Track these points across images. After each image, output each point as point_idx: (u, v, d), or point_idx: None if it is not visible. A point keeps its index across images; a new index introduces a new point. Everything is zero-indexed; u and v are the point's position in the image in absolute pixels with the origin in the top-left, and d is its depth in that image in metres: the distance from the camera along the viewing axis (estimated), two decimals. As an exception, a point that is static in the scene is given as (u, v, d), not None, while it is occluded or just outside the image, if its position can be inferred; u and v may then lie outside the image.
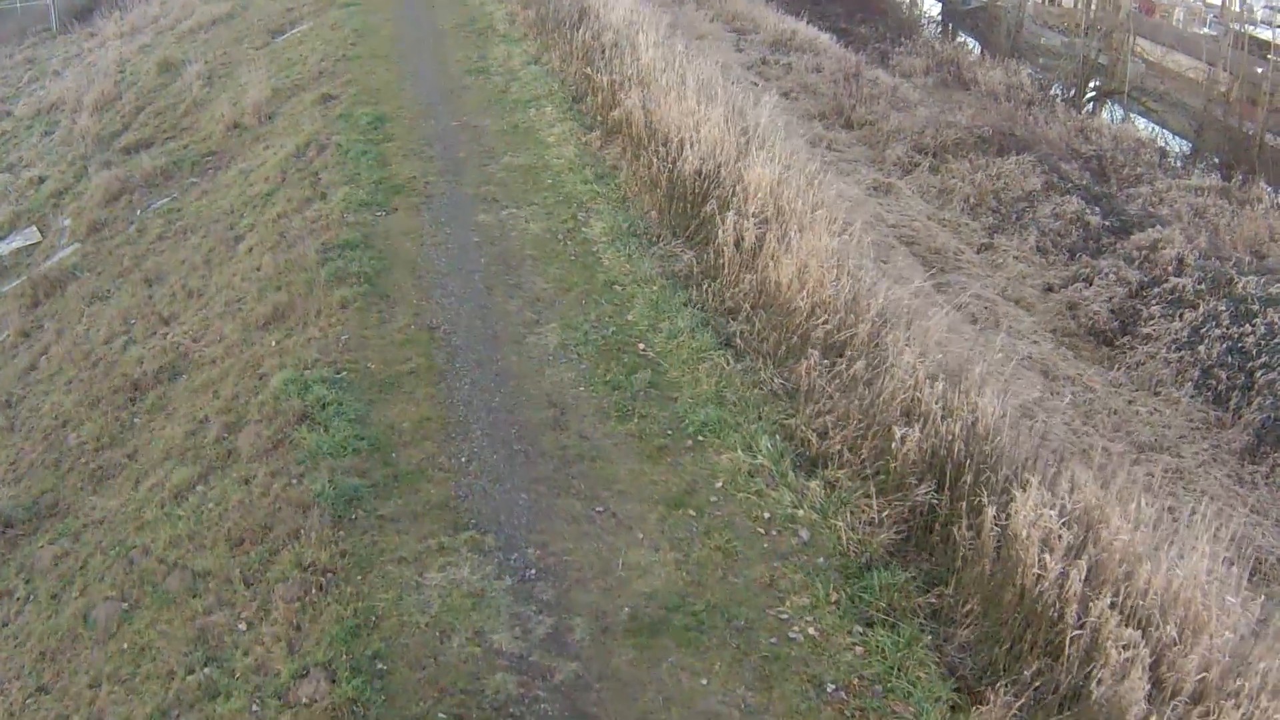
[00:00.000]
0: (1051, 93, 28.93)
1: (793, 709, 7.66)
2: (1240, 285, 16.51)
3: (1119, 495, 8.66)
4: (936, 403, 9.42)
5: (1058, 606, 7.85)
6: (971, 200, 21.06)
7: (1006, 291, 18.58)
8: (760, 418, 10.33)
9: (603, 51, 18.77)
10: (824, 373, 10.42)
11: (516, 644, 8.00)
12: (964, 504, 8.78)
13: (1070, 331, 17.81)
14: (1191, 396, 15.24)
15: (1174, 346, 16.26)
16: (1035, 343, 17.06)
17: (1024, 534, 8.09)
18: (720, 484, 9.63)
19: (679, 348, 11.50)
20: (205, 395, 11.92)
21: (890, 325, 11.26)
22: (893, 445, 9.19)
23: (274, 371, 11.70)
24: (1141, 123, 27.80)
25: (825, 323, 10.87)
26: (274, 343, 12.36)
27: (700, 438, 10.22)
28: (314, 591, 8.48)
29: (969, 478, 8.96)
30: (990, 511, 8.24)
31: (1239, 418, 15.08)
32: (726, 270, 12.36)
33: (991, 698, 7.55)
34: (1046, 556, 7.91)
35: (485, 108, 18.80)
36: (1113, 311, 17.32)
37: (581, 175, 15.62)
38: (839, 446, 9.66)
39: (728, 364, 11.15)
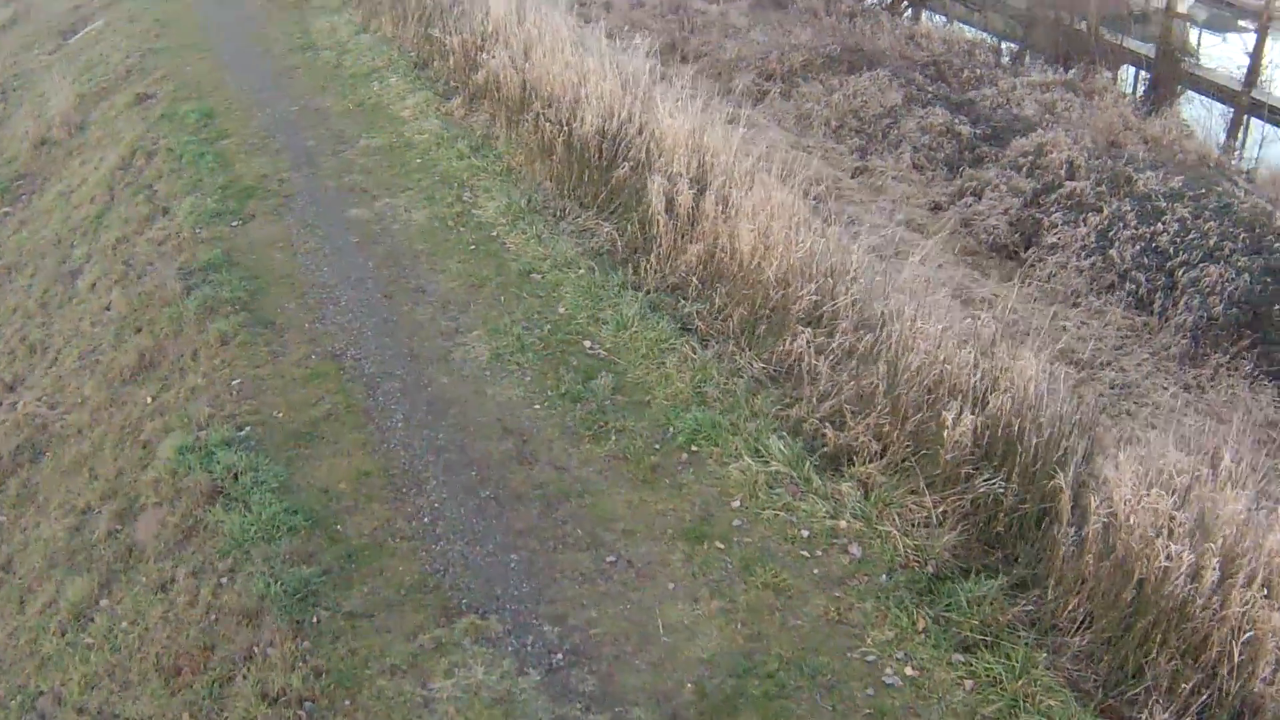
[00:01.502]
0: (868, 3, 27.50)
1: (920, 776, 6.01)
2: (1141, 183, 15.32)
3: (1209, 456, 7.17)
4: (974, 373, 7.79)
5: (1192, 600, 6.34)
6: (833, 123, 19.47)
7: (894, 216, 17.11)
8: (755, 413, 8.58)
9: (441, 12, 16.45)
10: (818, 352, 8.68)
11: (573, 763, 6.13)
12: (1032, 488, 7.20)
13: (971, 250, 16.42)
14: (1113, 305, 14.01)
15: (1084, 254, 14.99)
16: (940, 266, 15.66)
17: (1131, 519, 6.54)
18: (738, 502, 7.90)
19: (632, 340, 9.66)
20: (80, 477, 9.60)
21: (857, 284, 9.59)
22: (942, 431, 7.51)
23: (159, 437, 9.45)
24: (964, 28, 26.58)
25: (807, 293, 9.09)
26: (149, 399, 10.07)
27: (695, 448, 8.46)
28: (294, 733, 6.43)
29: (1030, 458, 7.38)
30: (1094, 501, 6.66)
31: (1167, 320, 13.95)
32: (663, 242, 10.50)
33: (1146, 717, 6.04)
34: (1169, 543, 6.37)
35: (322, 87, 16.39)
36: (1012, 224, 15.94)
37: (454, 150, 13.49)
38: (862, 437, 7.96)
39: (694, 352, 9.37)
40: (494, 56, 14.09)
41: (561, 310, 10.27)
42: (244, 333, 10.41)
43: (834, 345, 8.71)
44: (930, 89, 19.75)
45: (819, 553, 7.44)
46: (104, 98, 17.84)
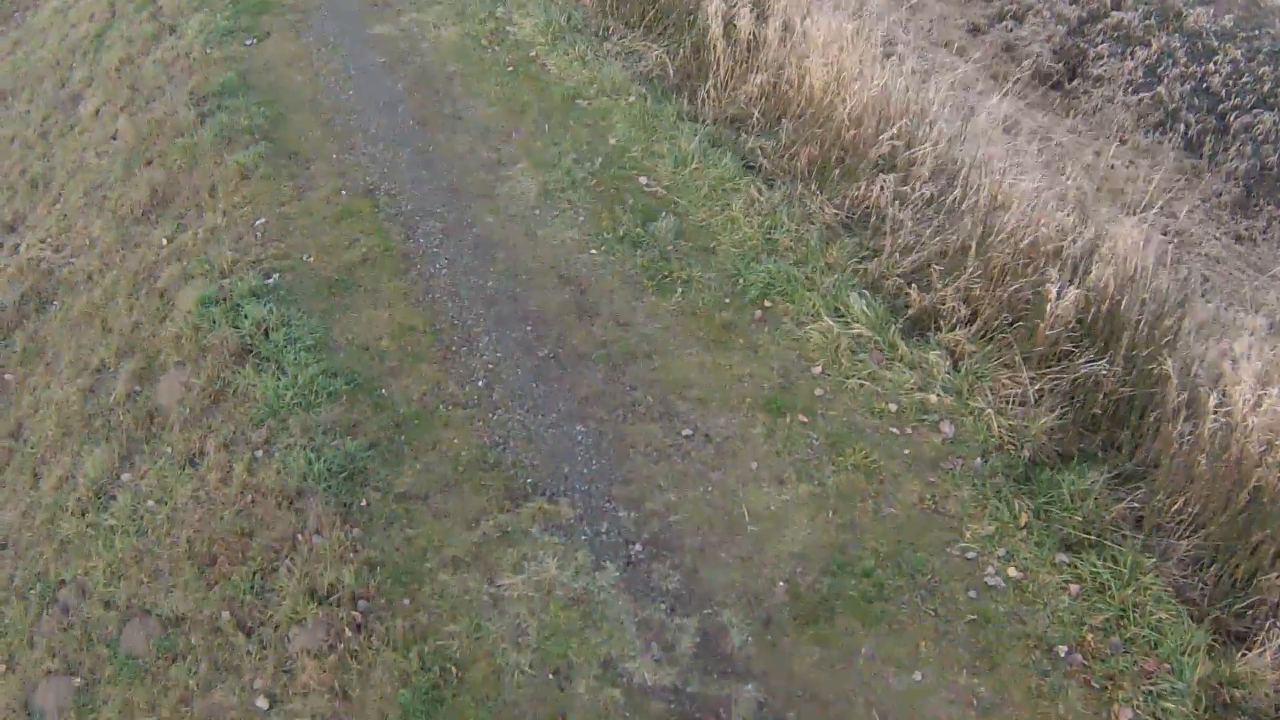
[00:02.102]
0: None
1: (1031, 693, 5.23)
2: (1191, 19, 13.89)
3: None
4: (1070, 238, 6.68)
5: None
6: None
7: (931, 35, 15.61)
8: (831, 266, 7.52)
9: None
10: (898, 201, 7.57)
11: (663, 671, 5.33)
12: (1135, 371, 6.19)
13: (1012, 77, 15.00)
14: (1161, 144, 12.80)
15: (1130, 89, 13.69)
16: (981, 93, 14.27)
17: (1248, 420, 5.54)
18: (820, 368, 6.92)
19: (693, 178, 8.54)
20: (92, 330, 8.62)
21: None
22: (1044, 304, 6.45)
23: (177, 285, 8.44)
24: None
25: (886, 136, 7.90)
26: (164, 240, 9.01)
27: (768, 303, 7.45)
28: (350, 636, 5.58)
29: (1137, 337, 6.33)
30: (1209, 399, 5.65)
31: (1218, 166, 12.77)
32: (721, 69, 9.22)
33: (1262, 639, 5.16)
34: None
35: None
36: (1055, 53, 14.55)
37: (485, -41, 11.98)
38: (951, 300, 6.90)
39: (761, 194, 8.23)
40: None
41: (613, 142, 9.09)
42: (265, 165, 9.27)
43: (914, 194, 7.55)
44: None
45: (909, 430, 6.49)
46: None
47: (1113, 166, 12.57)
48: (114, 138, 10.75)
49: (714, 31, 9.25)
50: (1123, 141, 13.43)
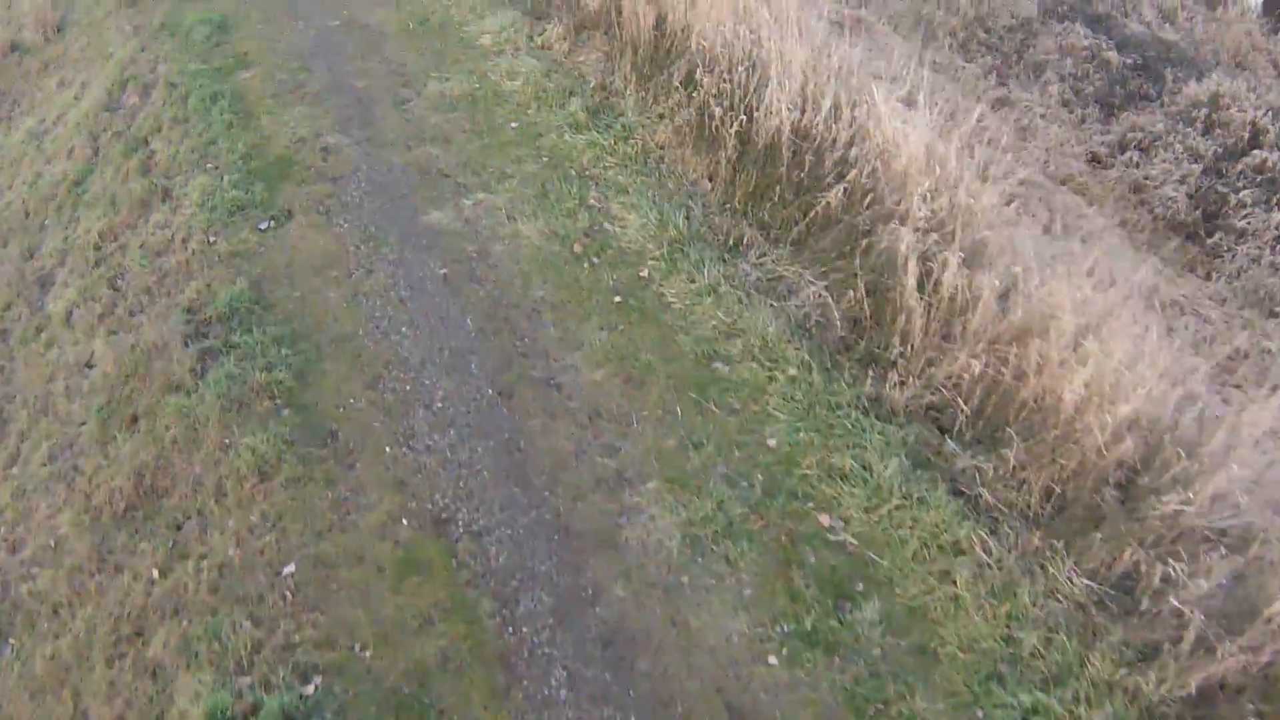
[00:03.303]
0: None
1: None
2: None
3: None
4: None
5: None
6: (960, 35, 14.88)
7: (1049, 167, 12.80)
8: (1097, 685, 4.87)
9: None
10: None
11: None
12: None
13: (1143, 226, 12.25)
14: None
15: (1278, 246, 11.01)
16: (1112, 248, 11.54)
17: None
18: None
19: (895, 521, 6.06)
20: (61, 707, 5.86)
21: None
22: None
23: (176, 666, 5.85)
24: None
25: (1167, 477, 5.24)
26: (154, 569, 6.37)
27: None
28: None
29: None
30: None
31: None
32: (914, 336, 6.50)
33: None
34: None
35: (366, -12, 11.85)
36: (1191, 197, 11.74)
37: (564, 112, 9.30)
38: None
39: (989, 553, 5.66)
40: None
41: (773, 444, 6.37)
42: (292, 458, 6.53)
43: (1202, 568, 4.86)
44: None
45: None
46: (84, -10, 13.26)
47: (1269, 351, 9.87)
48: (89, 365, 7.96)
49: (907, 286, 6.45)
50: (1273, 314, 10.74)
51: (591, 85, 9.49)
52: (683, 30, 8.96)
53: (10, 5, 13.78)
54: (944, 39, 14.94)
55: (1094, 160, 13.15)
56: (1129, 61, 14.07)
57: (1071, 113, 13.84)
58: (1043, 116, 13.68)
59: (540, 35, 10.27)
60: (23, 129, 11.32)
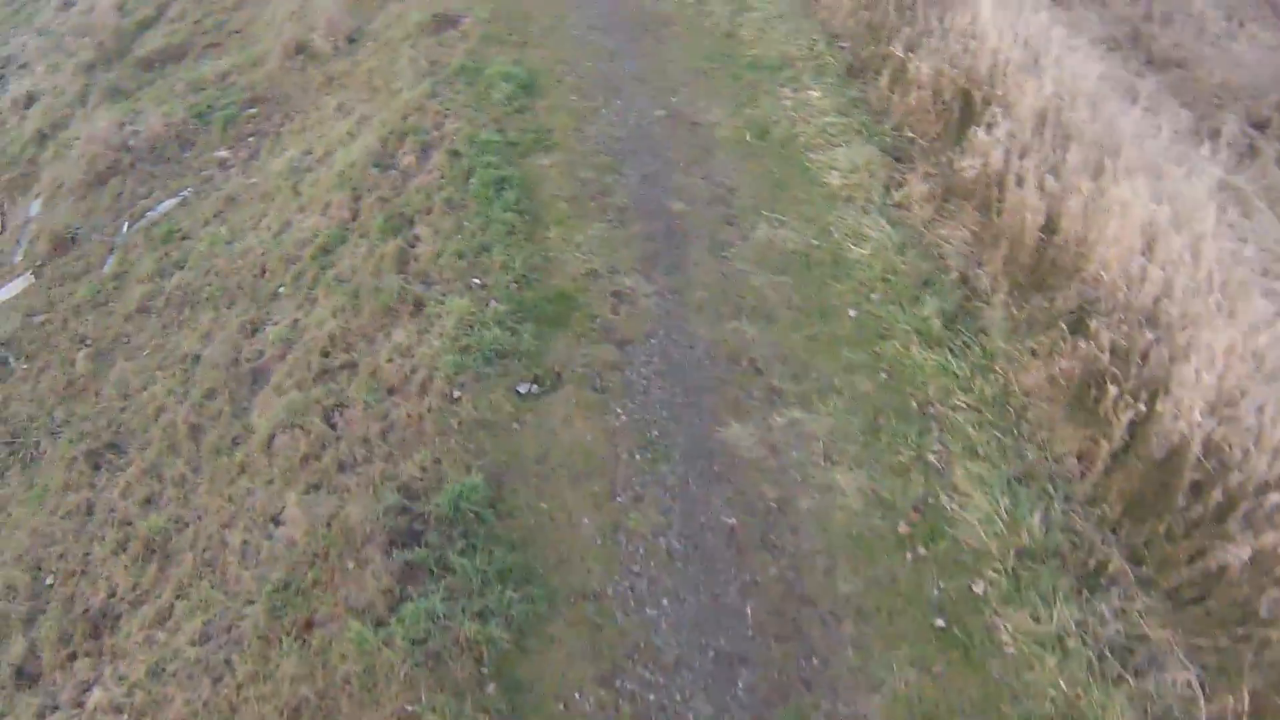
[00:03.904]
0: None
1: None
2: None
3: None
4: None
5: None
6: None
7: None
8: None
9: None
10: None
11: None
12: None
13: None
14: None
15: None
16: None
17: None
18: None
19: None
20: None
21: None
22: None
23: None
24: None
25: None
26: None
27: None
28: None
29: None
30: None
31: None
32: None
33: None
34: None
35: (704, 74, 9.99)
36: None
37: (914, 313, 7.18)
38: None
39: None
40: (993, 131, 7.40)
41: None
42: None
43: None
44: None
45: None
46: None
47: None
48: (276, 521, 6.20)
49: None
50: None
51: (952, 277, 7.26)
52: (1078, 244, 6.66)
53: (303, 5, 12.42)
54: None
55: None
56: None
57: None
58: None
59: (899, 190, 8.06)
60: (285, 158, 9.85)
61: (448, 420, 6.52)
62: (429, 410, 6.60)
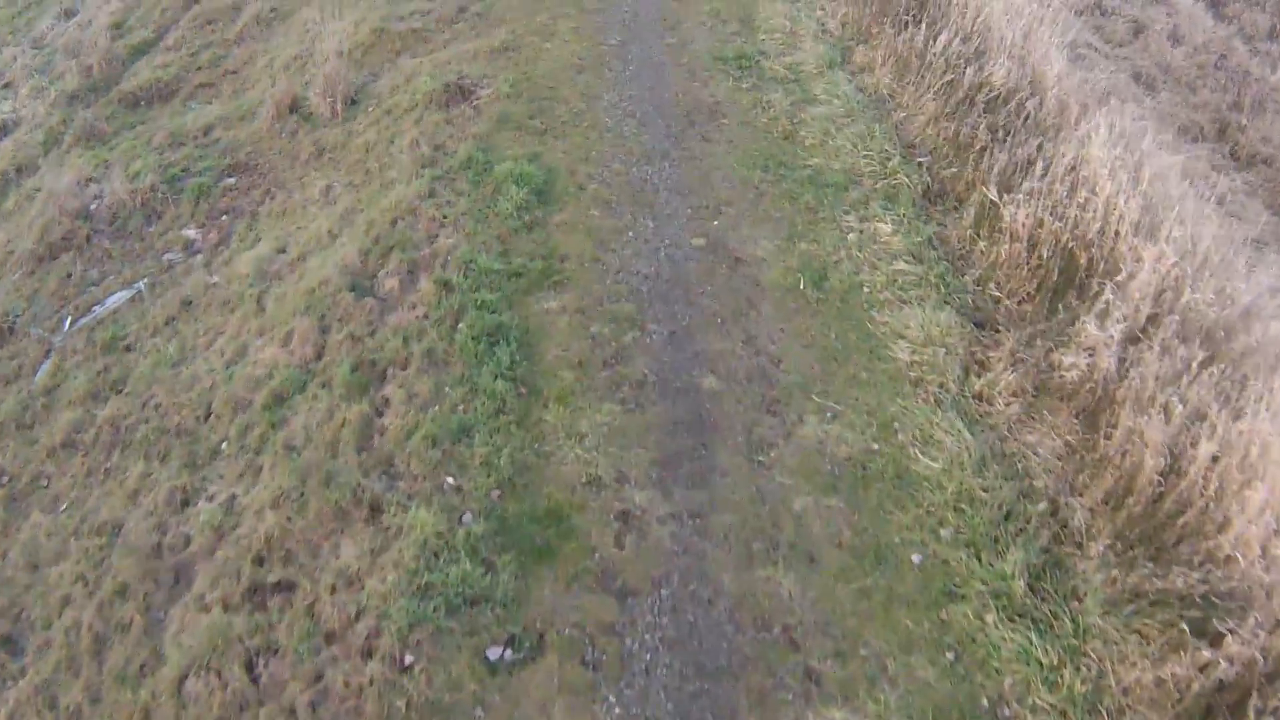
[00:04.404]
0: None
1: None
2: None
3: None
4: None
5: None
6: None
7: None
8: None
9: (969, 102, 7.96)
10: None
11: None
12: None
13: None
14: None
15: None
16: None
17: None
18: None
19: None
20: None
21: None
22: None
23: None
24: None
25: None
26: None
27: None
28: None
29: None
30: None
31: None
32: None
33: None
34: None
35: (754, 185, 8.37)
36: None
37: (994, 567, 5.59)
38: None
39: None
40: (1106, 325, 5.85)
41: None
42: None
43: None
44: None
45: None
46: (404, 52, 10.15)
47: None
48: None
49: None
50: None
51: (1040, 508, 5.68)
52: (1204, 502, 5.05)
53: (300, 58, 10.84)
54: None
55: None
56: None
57: None
58: None
59: (981, 377, 6.45)
60: (255, 254, 8.33)
61: (393, 700, 4.99)
62: (370, 682, 5.09)
